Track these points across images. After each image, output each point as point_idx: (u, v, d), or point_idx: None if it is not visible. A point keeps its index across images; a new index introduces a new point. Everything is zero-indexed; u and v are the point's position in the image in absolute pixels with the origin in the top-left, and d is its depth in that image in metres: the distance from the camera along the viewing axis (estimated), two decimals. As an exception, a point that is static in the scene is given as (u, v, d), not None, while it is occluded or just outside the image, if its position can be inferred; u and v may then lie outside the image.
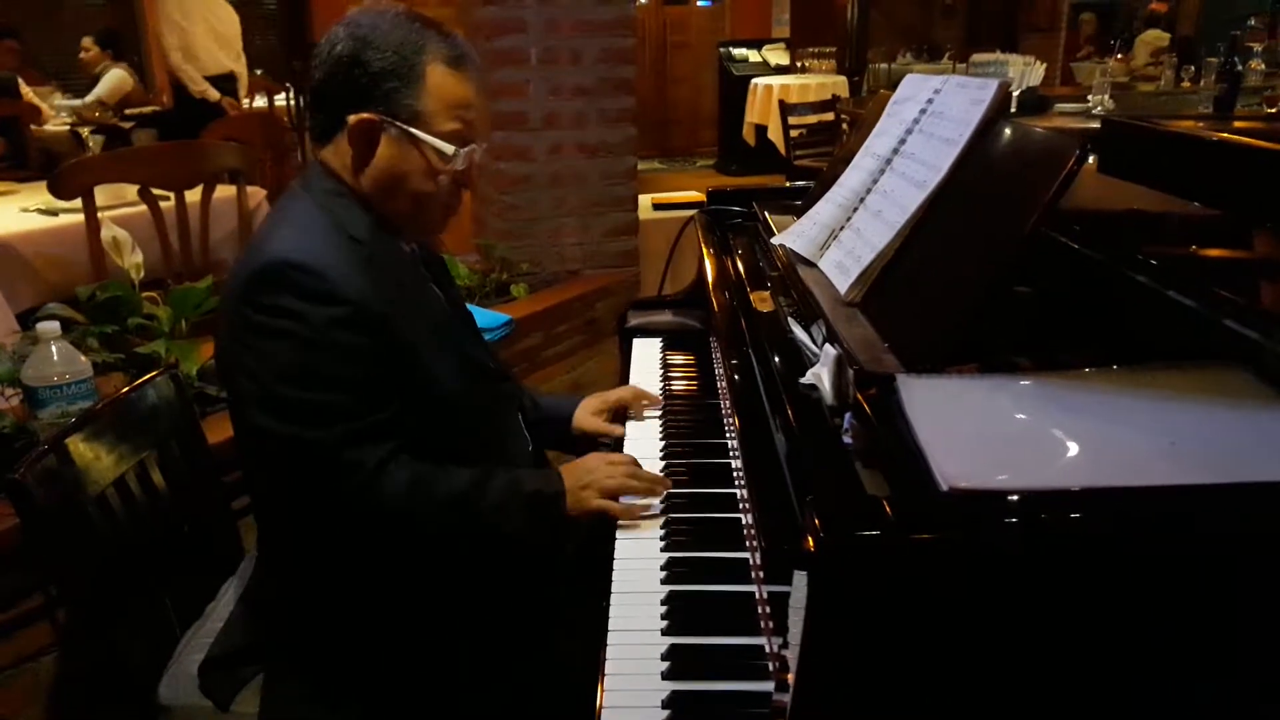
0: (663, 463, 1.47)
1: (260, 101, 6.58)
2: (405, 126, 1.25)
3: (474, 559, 1.31)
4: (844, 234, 1.41)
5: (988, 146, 1.23)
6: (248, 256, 1.25)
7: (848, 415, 0.98)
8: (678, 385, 1.79)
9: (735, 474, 1.39)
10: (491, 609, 1.32)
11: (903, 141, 1.42)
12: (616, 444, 1.59)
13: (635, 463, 1.39)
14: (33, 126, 5.96)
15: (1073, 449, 0.81)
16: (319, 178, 1.30)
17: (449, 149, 1.27)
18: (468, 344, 1.44)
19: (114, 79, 6.40)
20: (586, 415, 1.64)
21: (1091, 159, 1.17)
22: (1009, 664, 0.74)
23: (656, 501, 1.34)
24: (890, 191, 1.35)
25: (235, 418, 1.30)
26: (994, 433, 0.86)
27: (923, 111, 1.42)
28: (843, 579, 0.72)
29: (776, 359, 1.22)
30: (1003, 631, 0.73)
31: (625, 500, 1.33)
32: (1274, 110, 4.26)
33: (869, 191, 1.42)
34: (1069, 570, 0.72)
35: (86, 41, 6.59)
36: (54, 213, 3.02)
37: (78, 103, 6.38)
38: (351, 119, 1.25)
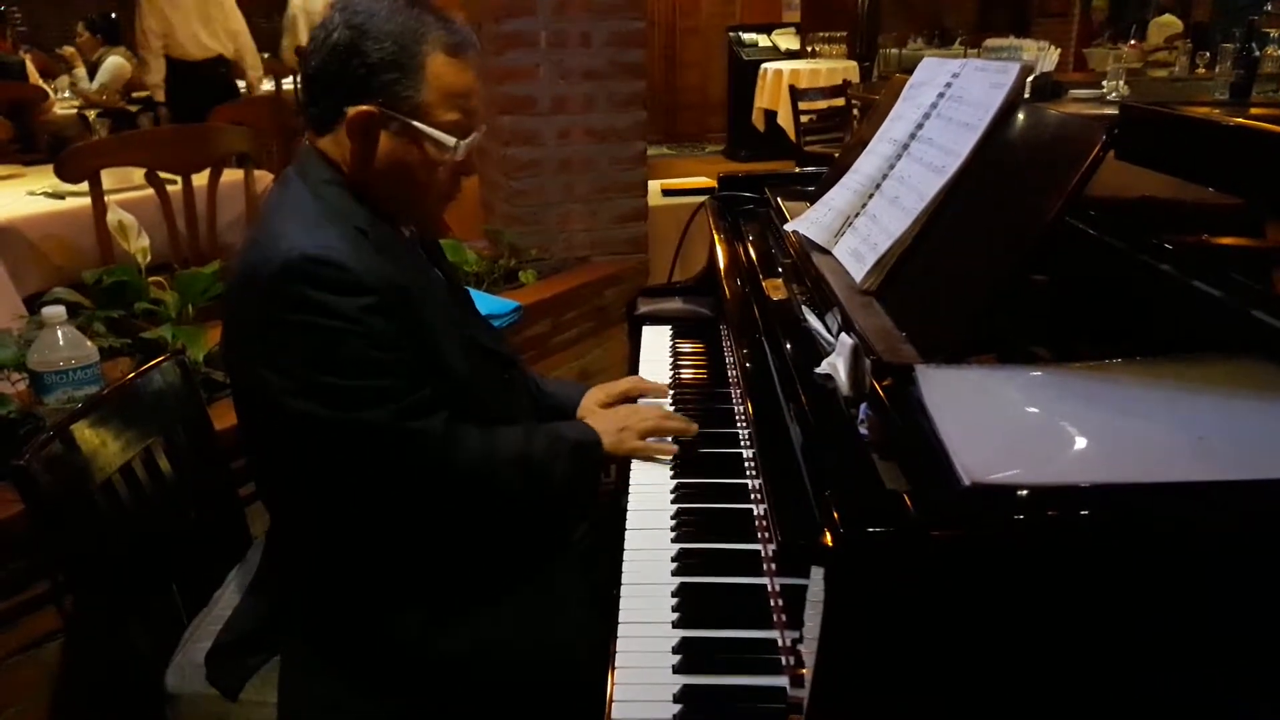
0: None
1: (268, 85, 6.54)
2: (405, 119, 1.23)
3: (489, 542, 1.31)
4: (859, 221, 1.38)
5: (1008, 132, 1.21)
6: (258, 251, 1.22)
7: (863, 406, 0.97)
8: (688, 373, 1.77)
9: (746, 464, 1.37)
10: (504, 595, 1.31)
11: (920, 126, 1.39)
12: None
13: (661, 411, 1.47)
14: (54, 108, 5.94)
15: (1097, 443, 0.79)
16: (315, 166, 1.28)
17: (450, 141, 1.25)
18: (472, 327, 1.43)
19: (113, 66, 6.38)
20: (592, 405, 1.64)
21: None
22: (1032, 661, 0.72)
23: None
24: (908, 177, 1.33)
25: (245, 409, 1.30)
26: (1016, 426, 0.84)
27: (941, 95, 1.39)
28: (862, 575, 0.70)
29: (790, 347, 1.20)
30: (1026, 628, 0.71)
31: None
32: (1292, 96, 4.20)
33: (885, 177, 1.39)
34: (1095, 568, 0.70)
35: (80, 27, 6.59)
36: (60, 196, 3.01)
37: (86, 86, 6.37)
38: (350, 111, 1.22)
